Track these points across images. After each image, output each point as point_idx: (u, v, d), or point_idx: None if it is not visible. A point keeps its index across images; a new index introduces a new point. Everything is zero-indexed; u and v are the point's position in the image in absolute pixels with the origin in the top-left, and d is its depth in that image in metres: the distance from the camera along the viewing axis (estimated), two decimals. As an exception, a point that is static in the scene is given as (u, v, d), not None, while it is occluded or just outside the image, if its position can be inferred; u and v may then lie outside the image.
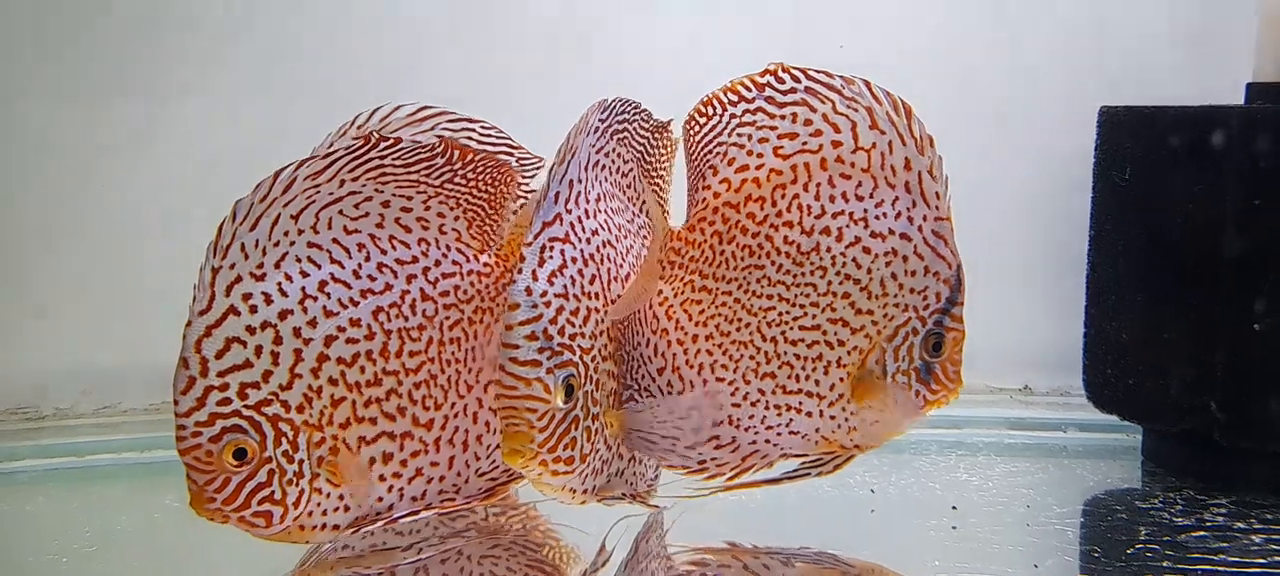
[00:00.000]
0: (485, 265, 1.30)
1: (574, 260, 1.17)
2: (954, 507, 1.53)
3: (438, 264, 1.26)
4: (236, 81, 2.02)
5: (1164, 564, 1.31)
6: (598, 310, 1.19)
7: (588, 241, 1.19)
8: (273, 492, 1.14)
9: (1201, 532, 1.42)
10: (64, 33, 1.97)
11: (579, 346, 1.16)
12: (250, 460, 1.12)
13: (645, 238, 1.34)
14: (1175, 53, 2.08)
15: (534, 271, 1.14)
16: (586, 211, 1.20)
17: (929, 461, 1.78)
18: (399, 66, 2.02)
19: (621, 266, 1.26)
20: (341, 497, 1.20)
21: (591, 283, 1.19)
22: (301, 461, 1.15)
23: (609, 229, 1.24)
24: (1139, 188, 1.69)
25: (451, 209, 1.27)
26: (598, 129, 1.24)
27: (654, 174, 1.39)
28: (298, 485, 1.15)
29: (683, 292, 1.30)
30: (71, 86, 2.00)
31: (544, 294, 1.13)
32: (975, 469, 1.73)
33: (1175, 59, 2.07)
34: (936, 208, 1.27)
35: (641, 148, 1.34)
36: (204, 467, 1.11)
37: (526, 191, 1.38)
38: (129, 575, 1.37)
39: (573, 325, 1.15)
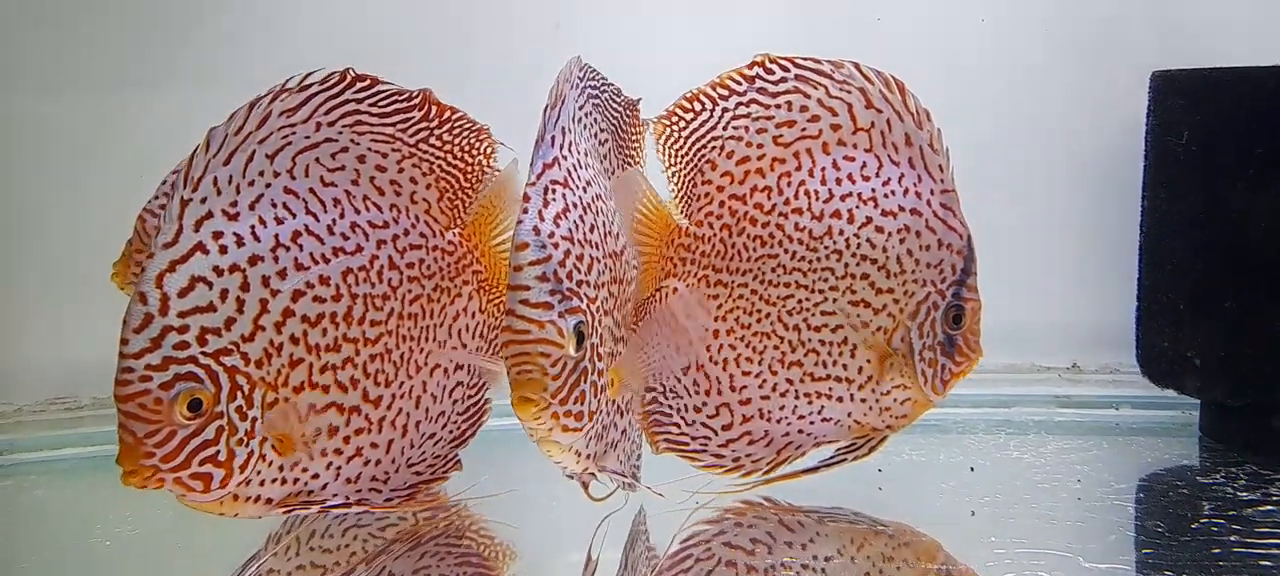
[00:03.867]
0: (450, 243, 1.25)
1: (575, 205, 1.10)
2: (971, 469, 1.51)
3: (406, 233, 1.20)
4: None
5: (1231, 537, 1.25)
6: (598, 260, 1.13)
7: (584, 189, 1.13)
8: (217, 453, 1.03)
9: (1269, 507, 1.35)
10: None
11: (586, 294, 1.08)
12: (203, 413, 1.02)
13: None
14: (1230, 10, 2.02)
15: (540, 211, 1.06)
16: (578, 162, 1.14)
17: (977, 439, 1.73)
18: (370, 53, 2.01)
19: (611, 224, 1.20)
20: (282, 469, 1.10)
21: (591, 232, 1.12)
22: (254, 421, 1.06)
23: (597, 184, 1.18)
24: (1196, 152, 1.62)
25: (424, 174, 1.22)
26: (578, 85, 1.19)
27: (627, 152, 1.33)
28: (246, 446, 1.05)
29: (698, 289, 1.27)
30: (111, 76, 2.02)
31: (551, 235, 1.05)
32: (1026, 447, 1.67)
33: (1226, 19, 2.01)
34: (941, 180, 1.26)
35: (615, 122, 1.28)
36: (147, 417, 1.00)
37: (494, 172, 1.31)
38: (171, 558, 1.34)
39: (579, 271, 1.08)
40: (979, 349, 1.30)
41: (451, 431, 1.30)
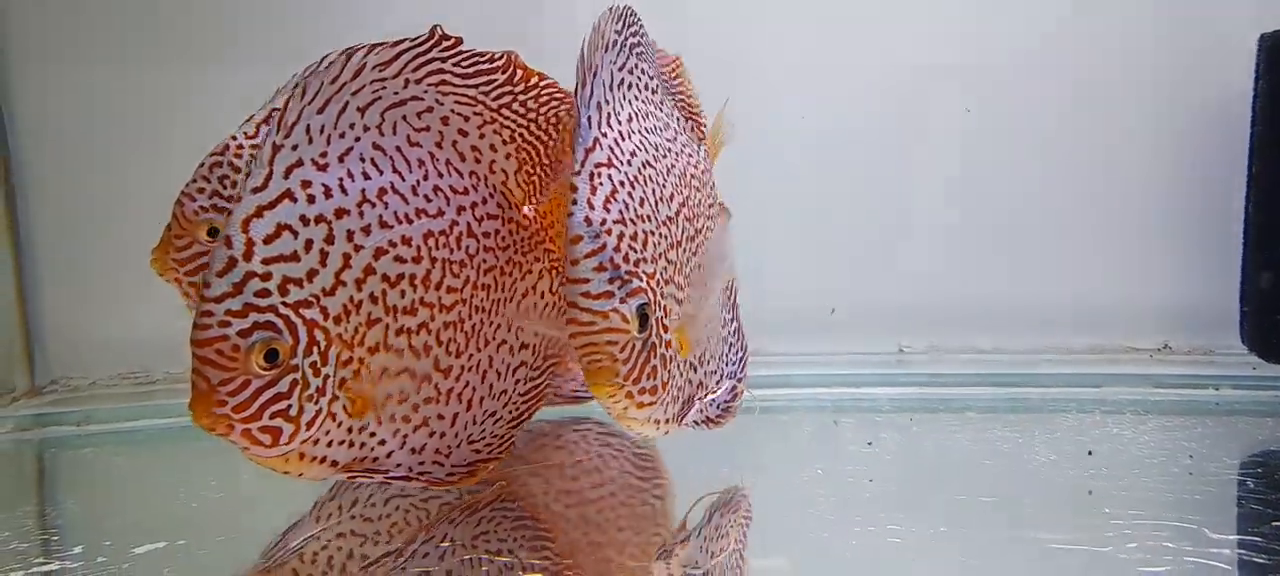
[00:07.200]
0: (525, 217, 1.21)
1: (622, 184, 1.09)
2: (1089, 453, 1.42)
3: (484, 202, 1.17)
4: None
5: (1379, 508, 1.18)
6: (652, 233, 1.12)
7: (628, 163, 1.12)
8: (289, 407, 1.00)
9: None
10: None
11: (644, 272, 1.08)
12: (279, 365, 0.98)
13: (687, 155, 1.26)
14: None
15: (588, 199, 1.06)
16: (620, 134, 1.13)
17: (1070, 418, 1.67)
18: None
19: (664, 186, 1.18)
20: (350, 431, 1.07)
21: (641, 205, 1.11)
22: (326, 378, 1.03)
23: (645, 149, 1.16)
24: (1311, 114, 1.56)
25: (505, 143, 1.19)
26: (616, 44, 1.17)
27: (676, 93, 1.30)
28: (316, 403, 1.02)
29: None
30: (183, 54, 2.01)
31: (603, 222, 1.05)
32: (1125, 425, 1.61)
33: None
34: None
35: (661, 70, 1.26)
36: (223, 364, 0.96)
37: None
38: (259, 517, 1.32)
39: (635, 250, 1.07)
40: None
41: (511, 411, 1.27)
